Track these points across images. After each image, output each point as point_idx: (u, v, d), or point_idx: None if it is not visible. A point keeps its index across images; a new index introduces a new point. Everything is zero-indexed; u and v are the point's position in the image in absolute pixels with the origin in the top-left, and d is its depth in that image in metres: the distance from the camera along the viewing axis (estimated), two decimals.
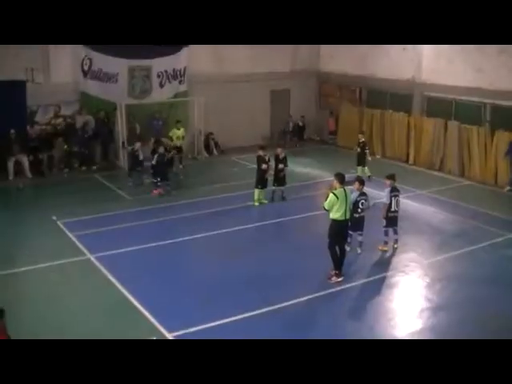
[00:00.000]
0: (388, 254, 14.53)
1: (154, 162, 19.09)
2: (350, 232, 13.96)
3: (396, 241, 14.85)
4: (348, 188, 12.96)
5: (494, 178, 20.95)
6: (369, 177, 20.76)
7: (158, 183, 19.27)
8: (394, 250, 14.75)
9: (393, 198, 14.44)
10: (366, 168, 21.25)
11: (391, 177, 14.72)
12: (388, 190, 14.53)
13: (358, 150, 21.41)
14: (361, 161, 21.33)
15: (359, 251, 14.41)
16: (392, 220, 14.59)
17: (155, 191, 19.30)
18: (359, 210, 14.06)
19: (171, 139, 22.50)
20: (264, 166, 18.04)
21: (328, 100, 29.08)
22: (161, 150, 19.33)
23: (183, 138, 22.81)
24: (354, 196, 13.80)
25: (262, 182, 18.17)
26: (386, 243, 14.68)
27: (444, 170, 22.85)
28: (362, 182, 14.25)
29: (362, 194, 14.14)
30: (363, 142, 21.54)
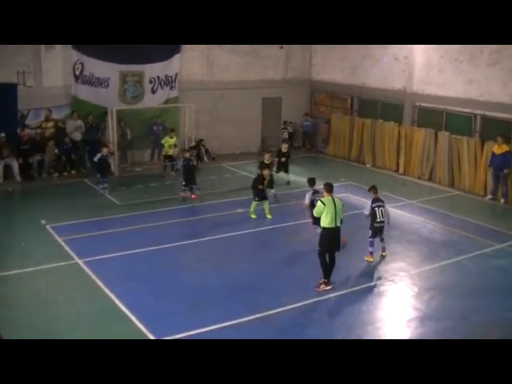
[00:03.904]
0: (377, 263, 14.54)
1: (179, 167, 19.11)
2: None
3: (384, 249, 14.90)
4: (337, 197, 13.02)
5: (483, 188, 21.02)
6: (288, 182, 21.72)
7: (183, 187, 19.37)
8: (383, 258, 14.80)
9: (376, 209, 14.46)
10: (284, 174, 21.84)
11: (372, 188, 14.91)
12: (370, 201, 14.69)
13: (283, 159, 21.63)
14: (287, 168, 21.77)
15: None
16: (378, 230, 14.61)
17: (182, 194, 19.50)
18: None
19: (163, 147, 22.55)
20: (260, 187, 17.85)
21: (319, 108, 29.17)
22: (186, 155, 19.48)
23: (175, 146, 22.77)
24: (308, 196, 15.25)
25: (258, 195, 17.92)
26: (371, 254, 14.66)
27: (434, 180, 22.91)
28: (311, 183, 15.50)
29: (315, 192, 15.10)
30: (288, 151, 21.88)
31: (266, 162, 18.92)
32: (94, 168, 21.06)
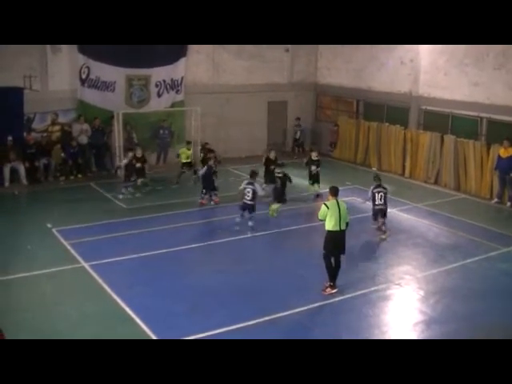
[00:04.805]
0: (382, 267, 14.53)
1: (202, 173, 19.29)
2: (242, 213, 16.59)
3: (383, 222, 16.53)
4: (342, 200, 13.03)
5: (489, 191, 20.96)
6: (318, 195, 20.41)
7: (203, 194, 19.35)
8: (385, 230, 16.47)
9: (376, 194, 16.40)
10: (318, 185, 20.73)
11: (375, 176, 17.23)
12: (372, 187, 16.66)
13: (313, 169, 20.60)
14: (318, 178, 20.61)
15: (249, 235, 16.34)
16: (378, 211, 16.49)
17: (202, 201, 19.45)
18: (247, 197, 16.36)
19: (178, 157, 22.43)
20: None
21: (325, 112, 29.17)
22: (210, 162, 19.46)
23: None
24: (243, 184, 16.72)
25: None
26: (383, 231, 16.49)
27: (440, 184, 22.87)
28: (253, 174, 16.94)
29: (249, 183, 16.51)
30: (318, 159, 20.88)
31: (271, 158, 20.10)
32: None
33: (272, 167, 19.70)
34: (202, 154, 21.56)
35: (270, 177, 19.84)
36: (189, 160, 22.13)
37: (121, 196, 19.96)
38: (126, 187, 20.26)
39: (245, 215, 16.65)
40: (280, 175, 18.85)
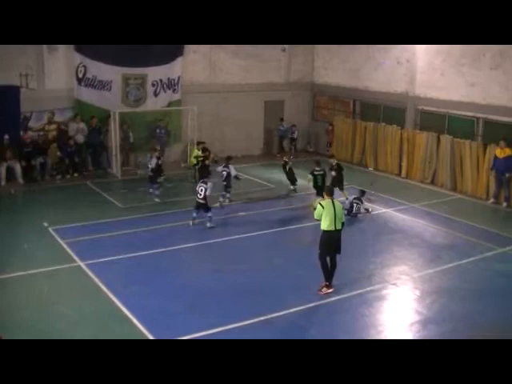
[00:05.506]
0: (379, 267, 14.53)
1: (234, 174, 19.38)
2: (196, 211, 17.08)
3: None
4: (337, 200, 13.04)
5: (485, 192, 21.00)
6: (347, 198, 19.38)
7: (228, 194, 19.40)
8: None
9: (355, 205, 18.50)
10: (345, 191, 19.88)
11: (360, 191, 19.35)
12: (357, 202, 18.67)
13: (334, 174, 19.59)
14: (340, 185, 19.49)
15: (209, 225, 16.91)
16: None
17: (221, 200, 19.38)
18: (199, 196, 16.83)
19: (192, 153, 22.41)
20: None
21: (322, 112, 29.18)
22: (230, 162, 19.49)
23: None
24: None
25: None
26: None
27: (436, 184, 22.90)
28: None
29: (203, 182, 17.02)
30: (337, 164, 19.97)
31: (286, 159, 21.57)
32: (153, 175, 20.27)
33: (287, 167, 21.26)
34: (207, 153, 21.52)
35: (289, 176, 21.22)
36: (195, 161, 22.02)
37: (157, 199, 19.68)
38: (157, 188, 19.97)
39: (201, 213, 17.04)
40: (321, 173, 19.07)
